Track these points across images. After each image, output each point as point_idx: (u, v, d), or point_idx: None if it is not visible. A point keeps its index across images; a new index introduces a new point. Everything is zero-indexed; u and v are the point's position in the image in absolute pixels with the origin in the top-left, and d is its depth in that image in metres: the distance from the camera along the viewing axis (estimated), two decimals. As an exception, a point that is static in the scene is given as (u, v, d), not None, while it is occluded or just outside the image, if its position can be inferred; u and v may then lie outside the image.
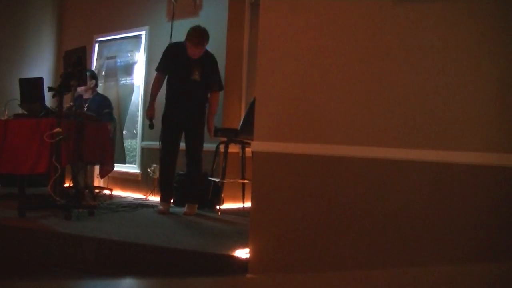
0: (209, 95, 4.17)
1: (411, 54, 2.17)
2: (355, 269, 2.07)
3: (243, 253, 2.60)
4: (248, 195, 4.50)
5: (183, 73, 4.05)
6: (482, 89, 2.03)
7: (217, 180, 4.30)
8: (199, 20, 5.03)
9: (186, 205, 4.13)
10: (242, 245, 2.70)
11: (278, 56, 2.50)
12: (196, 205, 4.15)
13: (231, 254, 2.64)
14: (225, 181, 4.21)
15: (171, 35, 5.01)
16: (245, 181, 4.54)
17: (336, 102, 2.33)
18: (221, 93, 4.73)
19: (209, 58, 4.12)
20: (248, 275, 2.45)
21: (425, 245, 2.10)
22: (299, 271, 2.29)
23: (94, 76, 5.09)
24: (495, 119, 2.00)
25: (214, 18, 4.97)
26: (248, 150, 4.46)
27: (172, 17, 5.06)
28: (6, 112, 4.17)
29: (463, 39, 2.07)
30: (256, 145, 2.53)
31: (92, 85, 4.99)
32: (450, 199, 2.06)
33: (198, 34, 3.95)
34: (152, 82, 4.29)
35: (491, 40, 2.02)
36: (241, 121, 4.35)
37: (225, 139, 4.30)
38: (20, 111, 4.24)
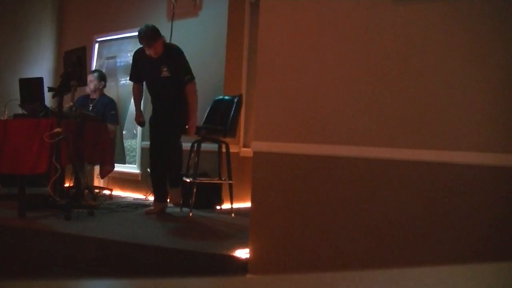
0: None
1: (411, 54, 2.17)
2: (355, 269, 2.07)
3: (243, 253, 2.60)
4: (225, 196, 4.41)
5: (153, 73, 4.06)
6: (482, 89, 2.03)
7: (188, 180, 4.17)
8: (199, 20, 5.05)
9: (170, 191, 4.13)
10: (242, 245, 2.70)
11: (278, 56, 2.50)
12: (178, 189, 4.09)
13: (231, 254, 2.64)
14: (197, 181, 4.06)
15: (171, 35, 5.00)
16: (219, 181, 4.35)
17: (336, 102, 2.33)
18: (221, 93, 4.74)
19: (173, 52, 4.09)
20: (248, 275, 2.45)
21: (425, 245, 2.10)
22: (299, 271, 2.29)
23: (103, 77, 5.10)
24: (495, 119, 2.00)
25: (214, 18, 4.97)
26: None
27: (172, 17, 5.05)
28: (6, 112, 4.16)
29: (463, 39, 2.07)
30: (256, 145, 2.53)
31: (101, 86, 5.01)
32: (450, 199, 2.06)
33: (143, 37, 3.94)
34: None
35: (491, 40, 2.02)
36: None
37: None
38: (20, 111, 4.24)
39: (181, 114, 4.06)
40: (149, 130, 4.21)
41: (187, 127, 4.03)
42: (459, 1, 2.07)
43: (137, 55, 4.22)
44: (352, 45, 2.32)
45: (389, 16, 2.22)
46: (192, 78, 4.07)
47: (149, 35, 3.94)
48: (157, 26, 5.38)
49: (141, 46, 4.10)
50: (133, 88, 4.32)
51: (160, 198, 4.15)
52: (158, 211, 4.08)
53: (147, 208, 4.19)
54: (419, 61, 2.16)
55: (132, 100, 5.40)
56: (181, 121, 4.05)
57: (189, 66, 4.10)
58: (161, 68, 4.00)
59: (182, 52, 4.09)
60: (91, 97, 4.97)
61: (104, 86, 5.09)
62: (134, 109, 4.35)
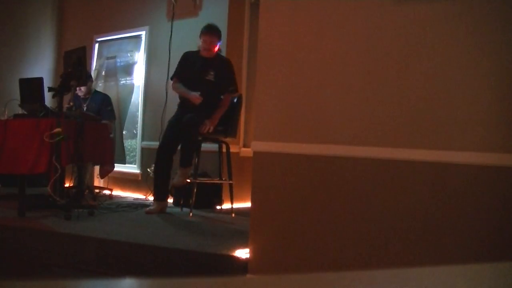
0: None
1: (411, 54, 2.17)
2: (355, 269, 2.08)
3: (243, 253, 2.60)
4: (225, 196, 4.40)
5: (199, 74, 4.11)
6: (482, 89, 2.03)
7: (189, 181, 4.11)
8: (199, 20, 5.04)
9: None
10: (242, 245, 2.70)
11: (278, 56, 2.50)
12: (187, 169, 4.05)
13: (231, 254, 2.64)
14: (197, 181, 4.05)
15: (171, 35, 5.01)
16: (220, 181, 4.33)
17: (336, 102, 2.33)
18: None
19: (224, 61, 4.22)
20: (248, 275, 2.45)
21: (425, 245, 2.10)
22: (299, 271, 2.29)
23: (89, 76, 5.10)
24: (495, 119, 2.00)
25: (214, 18, 4.96)
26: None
27: (172, 17, 5.06)
28: (6, 112, 4.17)
29: (463, 39, 2.07)
30: (256, 145, 2.53)
31: (90, 85, 5.02)
32: (450, 199, 2.06)
33: (210, 25, 4.14)
34: (173, 89, 4.33)
35: (491, 39, 2.02)
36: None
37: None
38: (20, 111, 4.25)
39: (205, 118, 4.06)
40: (166, 128, 4.21)
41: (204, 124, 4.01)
42: (459, 1, 2.07)
43: (189, 55, 4.29)
44: (352, 45, 2.32)
45: (389, 16, 2.22)
46: (234, 90, 4.19)
47: (218, 30, 4.14)
48: (157, 26, 5.42)
49: (191, 50, 4.23)
50: (174, 84, 4.27)
51: (160, 197, 4.15)
52: (158, 210, 4.08)
53: (147, 208, 4.19)
54: (419, 61, 2.16)
55: (132, 100, 5.42)
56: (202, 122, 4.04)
57: (235, 79, 4.21)
58: (208, 71, 4.10)
59: (233, 65, 4.23)
60: (82, 97, 4.96)
61: (92, 81, 5.11)
62: (187, 96, 4.12)
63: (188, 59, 4.24)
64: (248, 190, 2.81)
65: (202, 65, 4.11)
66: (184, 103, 4.19)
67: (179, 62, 4.30)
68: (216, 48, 4.13)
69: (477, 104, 2.03)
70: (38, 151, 3.57)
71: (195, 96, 4.01)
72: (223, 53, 4.82)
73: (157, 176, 4.19)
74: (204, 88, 4.08)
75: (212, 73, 4.10)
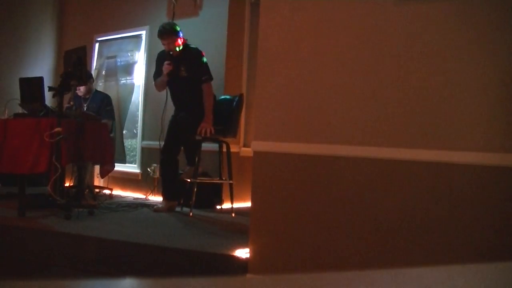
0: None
1: (411, 54, 2.17)
2: (355, 269, 2.07)
3: (243, 253, 2.60)
4: (226, 196, 4.41)
5: (173, 73, 4.15)
6: (482, 89, 2.03)
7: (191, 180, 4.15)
8: (199, 20, 5.05)
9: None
10: (242, 245, 2.70)
11: (278, 56, 2.50)
12: (192, 168, 4.13)
13: (231, 254, 2.64)
14: (197, 181, 4.04)
15: (171, 35, 4.97)
16: (220, 181, 4.33)
17: (336, 102, 2.33)
18: (221, 93, 4.74)
19: (191, 52, 4.20)
20: (248, 275, 2.45)
21: (425, 245, 2.10)
22: (299, 271, 2.29)
23: (90, 76, 5.09)
24: (495, 119, 2.00)
25: (214, 18, 4.97)
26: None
27: (172, 17, 5.05)
28: (6, 111, 4.16)
29: (463, 39, 2.07)
30: (256, 145, 2.53)
31: (90, 85, 5.01)
32: (450, 199, 2.06)
33: (160, 29, 4.13)
34: (156, 88, 4.43)
35: (491, 40, 2.02)
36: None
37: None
38: (20, 110, 4.24)
39: (198, 116, 4.06)
40: (167, 129, 4.27)
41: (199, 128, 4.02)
42: (459, 1, 2.07)
43: (161, 55, 4.32)
44: (352, 45, 2.32)
45: (390, 16, 2.22)
46: (208, 78, 4.14)
47: (169, 28, 4.11)
48: (157, 26, 5.36)
49: (163, 50, 4.25)
50: (155, 84, 4.36)
51: (168, 196, 4.16)
52: (166, 209, 4.11)
53: (156, 206, 4.20)
54: (419, 61, 2.16)
55: (132, 100, 5.42)
56: (197, 123, 4.05)
57: (207, 67, 4.17)
58: (179, 68, 4.13)
59: (201, 53, 4.19)
60: (82, 96, 4.96)
61: (92, 81, 5.11)
62: (161, 80, 4.27)
63: (161, 59, 4.28)
64: (248, 190, 2.81)
65: (174, 63, 4.12)
66: (174, 99, 4.28)
67: (155, 64, 4.37)
68: (180, 42, 4.12)
69: (477, 104, 2.03)
70: (38, 150, 3.56)
71: (165, 67, 4.10)
72: (223, 53, 4.83)
73: (164, 176, 4.24)
74: (181, 85, 4.15)
75: (183, 68, 4.13)
